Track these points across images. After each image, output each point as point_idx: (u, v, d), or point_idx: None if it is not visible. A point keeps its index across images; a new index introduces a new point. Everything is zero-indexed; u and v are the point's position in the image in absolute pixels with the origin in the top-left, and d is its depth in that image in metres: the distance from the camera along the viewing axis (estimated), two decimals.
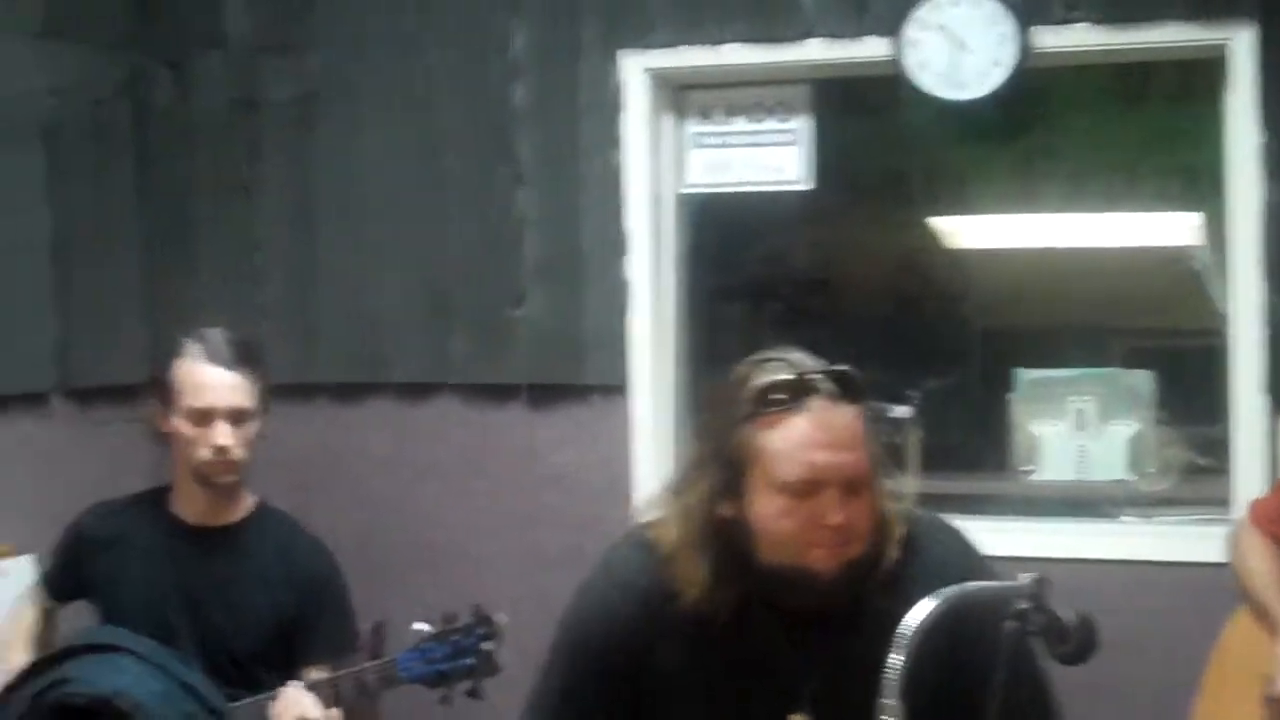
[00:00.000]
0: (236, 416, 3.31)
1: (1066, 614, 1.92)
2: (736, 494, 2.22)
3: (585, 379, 4.26)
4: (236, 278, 4.53)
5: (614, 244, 4.22)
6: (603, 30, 4.19)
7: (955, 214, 5.61)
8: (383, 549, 4.29)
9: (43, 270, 4.16)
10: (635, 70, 4.18)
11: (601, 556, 2.46)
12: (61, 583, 3.54)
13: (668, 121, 4.29)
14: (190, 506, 3.42)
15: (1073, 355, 4.76)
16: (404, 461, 4.44)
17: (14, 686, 3.26)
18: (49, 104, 4.18)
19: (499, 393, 4.36)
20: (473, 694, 3.10)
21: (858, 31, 4.00)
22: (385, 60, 4.38)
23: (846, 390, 2.22)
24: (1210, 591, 3.29)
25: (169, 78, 4.53)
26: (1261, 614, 3.05)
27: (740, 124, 4.27)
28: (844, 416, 2.21)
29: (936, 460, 4.10)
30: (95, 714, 3.11)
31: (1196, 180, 4.71)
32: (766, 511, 2.19)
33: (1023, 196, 5.32)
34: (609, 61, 4.19)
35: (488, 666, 3.09)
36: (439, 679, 3.09)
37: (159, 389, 3.35)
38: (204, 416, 3.28)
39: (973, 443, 4.68)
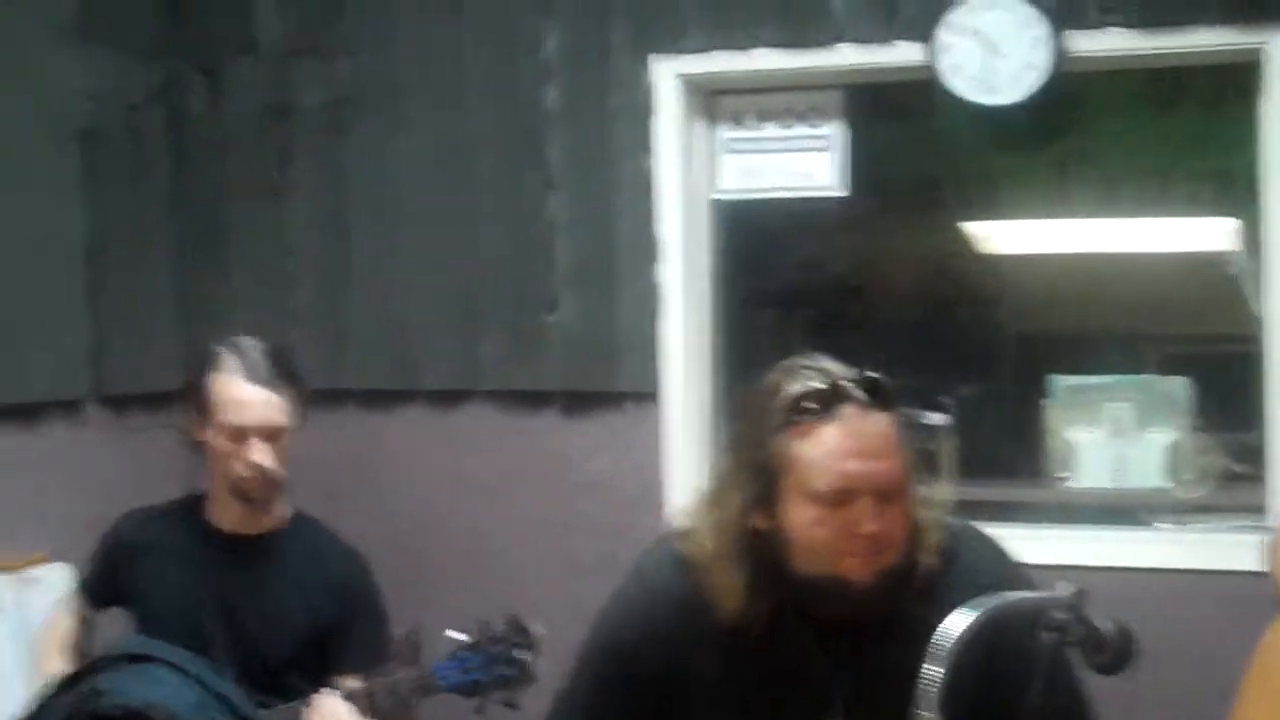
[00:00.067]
0: (273, 434, 3.31)
1: (1105, 625, 1.90)
2: (770, 504, 2.21)
3: (618, 385, 4.25)
4: (268, 283, 4.53)
5: (646, 250, 4.21)
6: (634, 34, 4.18)
7: (989, 219, 5.59)
8: (415, 557, 4.29)
9: (77, 276, 4.18)
10: (667, 75, 4.17)
11: (633, 565, 2.46)
12: (98, 590, 3.55)
13: (699, 126, 4.28)
14: (225, 515, 3.42)
15: (1108, 361, 4.73)
16: (436, 469, 4.44)
17: (49, 697, 3.26)
18: (83, 109, 4.20)
19: (532, 400, 4.35)
20: (509, 704, 3.09)
21: (890, 36, 3.98)
22: (417, 65, 4.38)
23: (878, 398, 2.21)
24: (1248, 599, 3.25)
25: (202, 83, 4.54)
26: None
27: (772, 129, 4.25)
28: (876, 424, 2.19)
29: (971, 467, 4.06)
30: None
31: (1232, 185, 4.68)
32: (800, 521, 2.18)
33: (1057, 201, 5.30)
34: (640, 66, 4.18)
35: (524, 676, 3.08)
36: (475, 688, 3.09)
37: (194, 400, 3.34)
38: (241, 434, 3.28)
39: (1008, 450, 4.65)
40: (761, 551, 2.23)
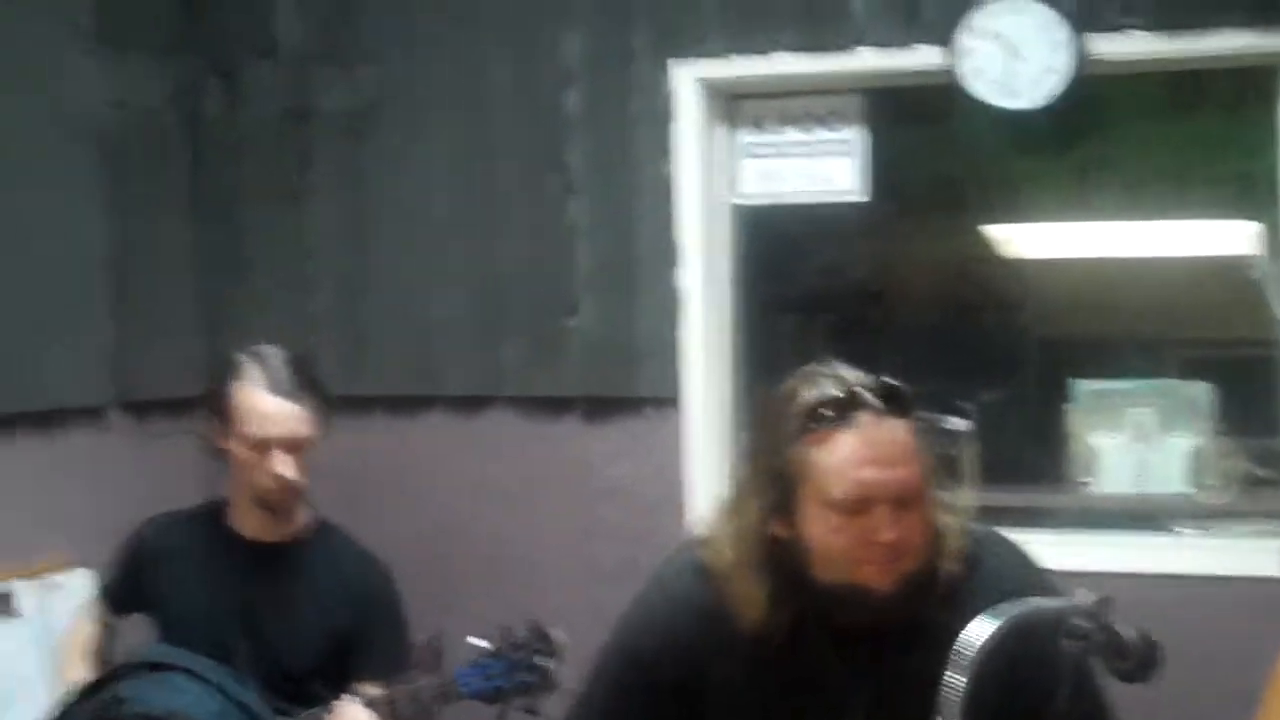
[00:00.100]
0: (296, 445, 3.30)
1: (1128, 632, 1.90)
2: (788, 512, 2.20)
3: (639, 391, 4.25)
4: (288, 288, 4.54)
5: (666, 255, 4.20)
6: (654, 39, 4.18)
7: (1010, 223, 5.57)
8: (437, 562, 4.28)
9: (97, 281, 4.19)
10: (687, 79, 4.17)
11: (654, 572, 2.45)
12: (121, 595, 3.56)
13: (720, 131, 4.28)
14: (248, 522, 3.42)
15: (1130, 366, 4.72)
16: (457, 475, 4.44)
17: (71, 704, 3.27)
18: (102, 113, 4.21)
19: (553, 405, 4.35)
20: (531, 710, 3.09)
21: (910, 40, 3.98)
22: (437, 69, 4.38)
23: (895, 404, 2.20)
24: (1270, 605, 3.26)
25: (221, 87, 4.55)
26: None
27: (793, 134, 4.25)
28: (893, 431, 2.19)
29: (994, 472, 4.05)
30: None
31: (1253, 188, 4.65)
32: (818, 529, 2.17)
33: (1078, 205, 5.28)
34: (660, 71, 4.18)
35: (546, 683, 3.08)
36: (497, 695, 3.09)
37: (216, 409, 3.34)
38: (264, 445, 3.28)
39: (1030, 455, 4.64)
40: (781, 560, 2.22)
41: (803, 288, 5.36)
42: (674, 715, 2.36)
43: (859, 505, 2.14)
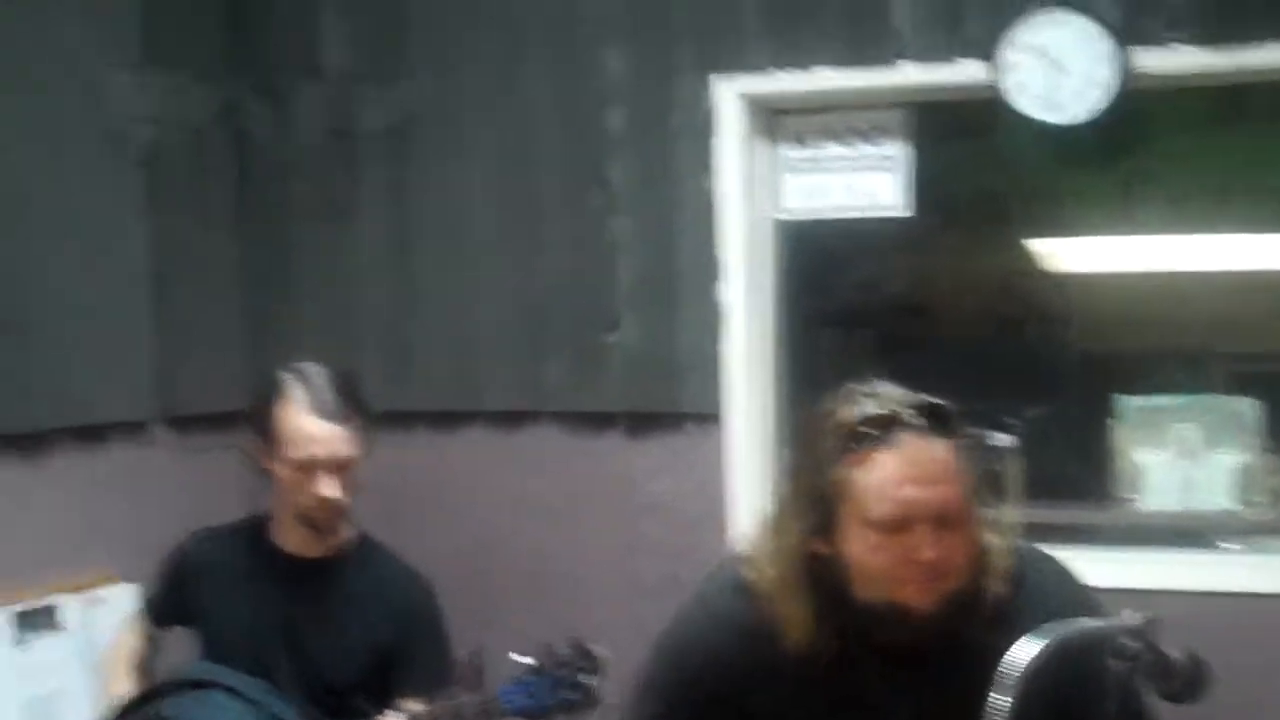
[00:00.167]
0: (340, 466, 3.31)
1: (1175, 653, 1.88)
2: (829, 531, 2.20)
3: (680, 406, 4.24)
4: (332, 305, 4.55)
5: (708, 270, 4.20)
6: (696, 55, 4.17)
7: (1054, 237, 5.55)
8: (478, 578, 4.29)
9: (143, 299, 4.21)
10: (729, 95, 4.16)
11: (696, 589, 2.45)
12: (164, 609, 3.57)
13: (762, 146, 4.27)
14: (290, 537, 3.43)
15: (1176, 381, 4.69)
16: (499, 490, 4.44)
17: None
18: (148, 132, 4.23)
19: (595, 421, 4.34)
20: None
21: (953, 54, 3.96)
22: (480, 87, 4.39)
23: (938, 423, 2.20)
24: None
25: (266, 106, 4.57)
26: None
27: (835, 149, 4.24)
28: (935, 450, 2.18)
29: (1038, 489, 4.02)
30: None
31: None
32: (859, 548, 2.17)
33: (1123, 219, 5.25)
34: (702, 86, 4.17)
35: (588, 700, 3.07)
36: (540, 712, 3.07)
37: (260, 429, 3.34)
38: (308, 466, 3.28)
39: (1075, 471, 4.61)
40: (822, 578, 2.22)
41: (845, 303, 5.35)
42: None
43: (899, 524, 2.14)
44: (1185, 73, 3.85)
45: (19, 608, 3.81)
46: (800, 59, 4.10)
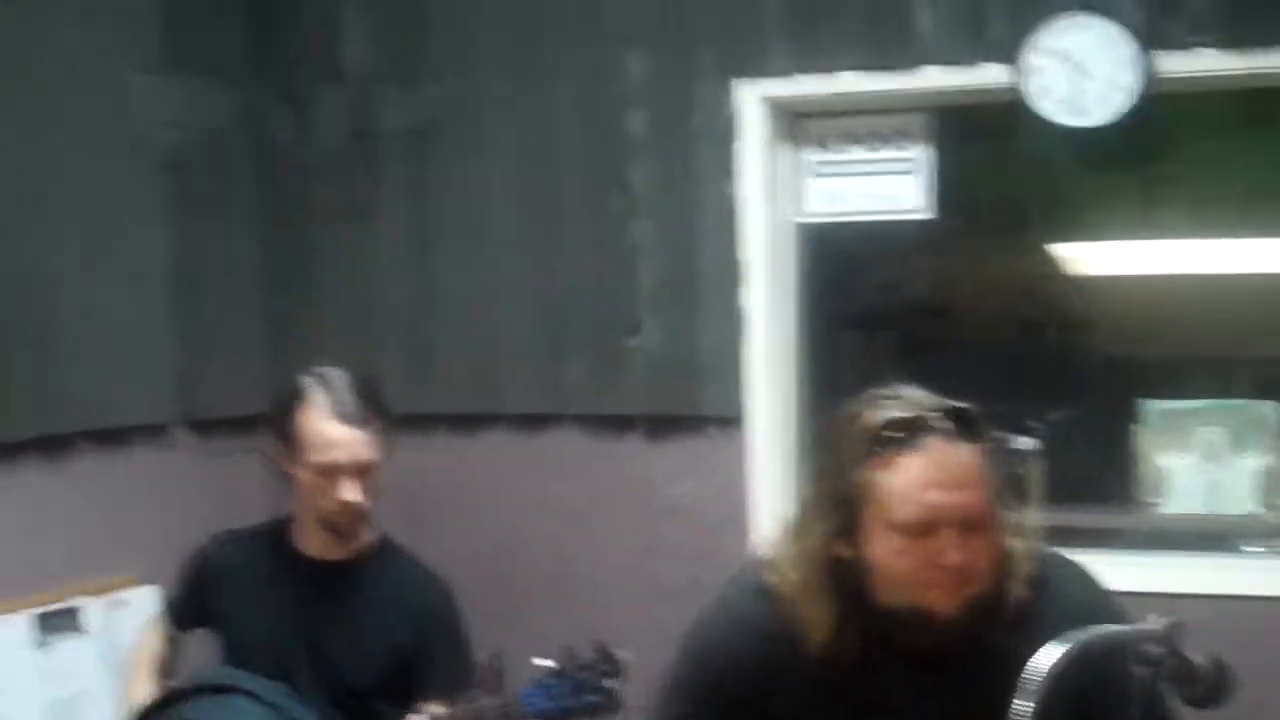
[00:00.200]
0: (362, 470, 3.31)
1: (1199, 658, 1.87)
2: (853, 534, 2.19)
3: (702, 410, 4.24)
4: (354, 308, 4.56)
5: (729, 273, 4.19)
6: (718, 58, 4.16)
7: (1077, 241, 5.53)
8: (499, 581, 4.29)
9: (164, 302, 4.22)
10: (751, 98, 4.16)
11: (718, 593, 2.45)
12: (185, 611, 3.58)
13: (784, 150, 4.26)
14: (311, 541, 3.43)
15: (1199, 385, 4.67)
16: (520, 493, 4.44)
17: None
18: (170, 136, 4.24)
19: (615, 424, 4.34)
20: None
21: (976, 58, 3.95)
22: (500, 89, 4.38)
23: (964, 428, 2.19)
24: None
25: (287, 109, 4.57)
26: None
27: (857, 152, 4.23)
28: (961, 455, 2.17)
29: (1061, 493, 4.01)
30: None
31: None
32: (883, 552, 2.16)
33: (1146, 222, 5.23)
34: (724, 90, 4.17)
35: (611, 704, 3.06)
36: (561, 716, 3.07)
37: (281, 435, 3.35)
38: (329, 471, 3.29)
39: (1098, 475, 4.59)
40: (844, 582, 2.21)
41: (867, 306, 5.34)
42: None
43: (924, 528, 2.13)
44: (1208, 76, 3.84)
45: (41, 610, 3.82)
46: (822, 63, 4.09)
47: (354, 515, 3.34)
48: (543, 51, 4.33)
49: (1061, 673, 1.80)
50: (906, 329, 5.48)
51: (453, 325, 4.47)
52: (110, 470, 4.06)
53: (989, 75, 3.93)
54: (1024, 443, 4.12)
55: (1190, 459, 4.30)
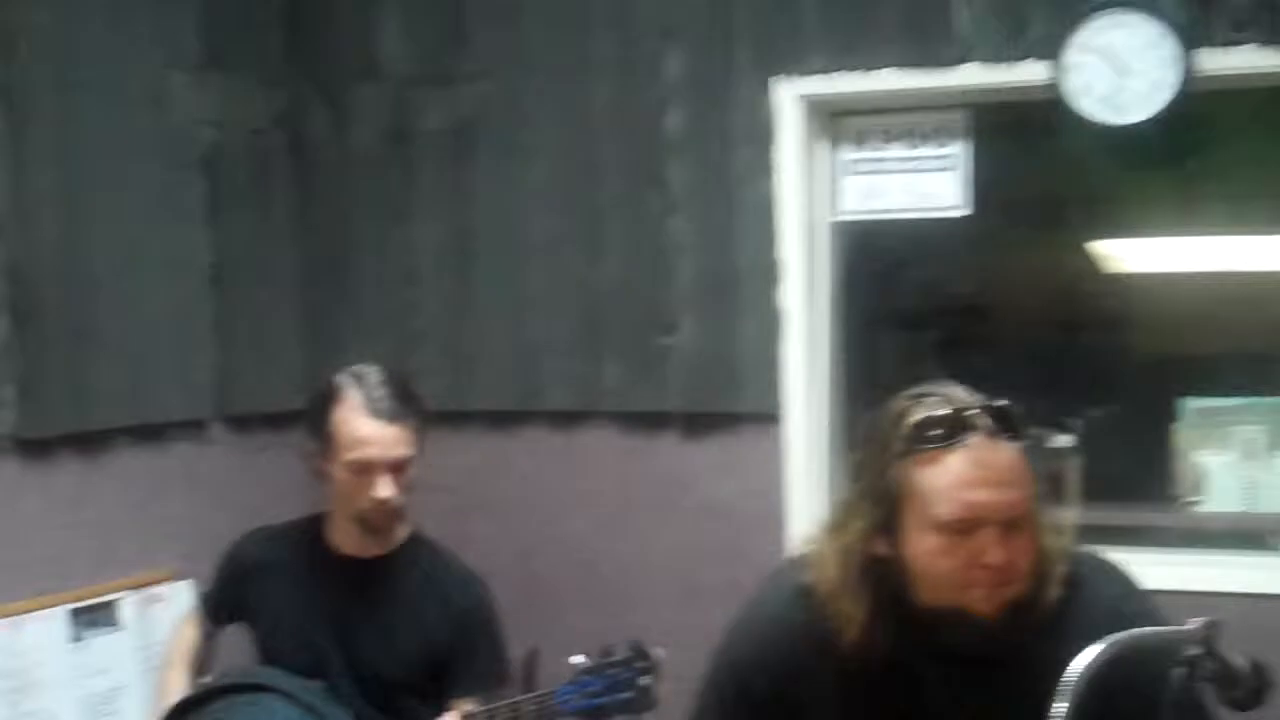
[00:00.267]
0: (396, 467, 3.31)
1: (1238, 660, 1.86)
2: (892, 532, 2.18)
3: (738, 408, 4.23)
4: (391, 306, 4.56)
5: (767, 272, 4.18)
6: (756, 57, 4.16)
7: (1117, 238, 5.51)
8: (535, 578, 4.30)
9: (203, 300, 4.24)
10: (789, 97, 4.14)
11: (755, 592, 2.44)
12: (219, 606, 3.59)
13: (822, 148, 4.25)
14: (345, 537, 3.44)
15: (1239, 383, 4.63)
16: (557, 490, 4.44)
17: None
18: (208, 135, 4.26)
19: (652, 421, 4.34)
20: None
21: (1016, 55, 3.93)
22: (538, 88, 4.38)
23: (1005, 426, 2.18)
24: None
25: (325, 108, 4.59)
26: None
27: (896, 150, 4.21)
28: (1003, 453, 2.16)
29: (1099, 491, 4.00)
30: None
31: None
32: (923, 550, 2.15)
33: (1186, 220, 5.20)
34: (762, 88, 4.16)
35: (646, 701, 3.07)
36: (596, 713, 3.07)
37: (316, 433, 3.35)
38: (364, 469, 3.29)
39: (1136, 473, 4.56)
40: (882, 580, 2.20)
41: (905, 304, 5.33)
42: None
43: (965, 527, 2.12)
44: (1250, 74, 3.81)
45: (77, 605, 3.84)
46: (860, 61, 4.07)
47: (388, 512, 3.34)
48: (580, 51, 4.32)
49: (1098, 673, 1.79)
50: (945, 327, 5.47)
51: (490, 323, 4.47)
52: (147, 465, 4.08)
53: (1029, 72, 3.91)
54: (1062, 440, 4.11)
55: (1229, 457, 4.27)
